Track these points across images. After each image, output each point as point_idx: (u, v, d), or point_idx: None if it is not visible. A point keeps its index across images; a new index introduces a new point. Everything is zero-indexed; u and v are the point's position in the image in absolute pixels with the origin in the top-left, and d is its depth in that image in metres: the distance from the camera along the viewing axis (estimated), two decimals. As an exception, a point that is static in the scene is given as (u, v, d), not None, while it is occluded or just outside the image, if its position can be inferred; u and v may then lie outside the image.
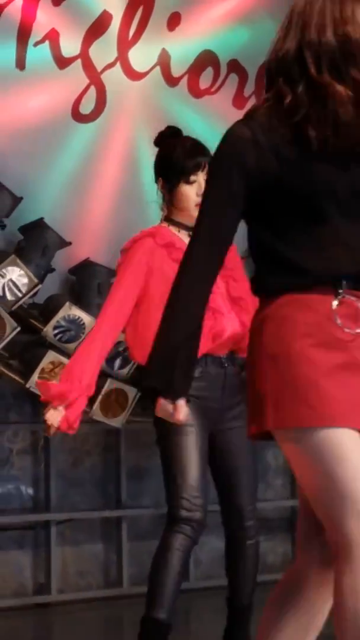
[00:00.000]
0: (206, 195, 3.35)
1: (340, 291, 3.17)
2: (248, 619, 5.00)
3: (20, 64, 7.16)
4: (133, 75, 7.57)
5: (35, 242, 6.97)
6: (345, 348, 3.15)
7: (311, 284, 3.17)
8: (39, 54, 7.21)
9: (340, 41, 3.13)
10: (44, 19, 7.22)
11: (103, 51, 7.45)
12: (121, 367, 7.05)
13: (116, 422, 7.10)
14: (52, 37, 7.25)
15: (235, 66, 7.94)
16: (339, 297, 3.17)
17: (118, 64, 7.51)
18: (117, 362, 7.05)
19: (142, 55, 7.61)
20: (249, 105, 7.78)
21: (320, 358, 3.13)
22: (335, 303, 3.16)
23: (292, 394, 3.12)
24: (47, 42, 7.24)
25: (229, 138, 3.31)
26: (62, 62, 7.32)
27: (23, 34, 7.15)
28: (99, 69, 7.43)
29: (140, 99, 7.58)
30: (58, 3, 7.26)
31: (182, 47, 7.72)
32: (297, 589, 3.26)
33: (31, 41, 7.17)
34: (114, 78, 7.47)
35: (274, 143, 3.16)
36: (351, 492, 3.06)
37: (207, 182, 3.40)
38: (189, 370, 3.33)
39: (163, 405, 3.27)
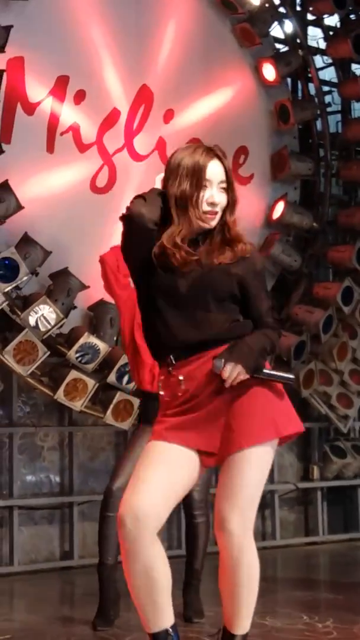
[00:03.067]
0: None
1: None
2: (199, 578, 5.25)
3: (50, 148, 7.18)
4: (137, 157, 7.61)
5: (61, 286, 7.02)
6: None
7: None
8: (64, 141, 7.23)
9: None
10: (68, 114, 7.25)
11: (113, 139, 7.48)
12: (128, 382, 7.07)
13: (124, 425, 7.13)
14: (74, 128, 7.28)
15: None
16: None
17: (125, 149, 7.54)
18: (125, 379, 7.09)
19: (143, 142, 7.63)
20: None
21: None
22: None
23: None
24: (70, 132, 7.26)
25: None
26: (82, 147, 7.34)
27: (52, 126, 7.17)
28: (111, 153, 7.47)
29: (142, 176, 7.57)
30: (79, 102, 7.30)
31: (175, 135, 7.68)
32: None
33: (58, 131, 7.20)
34: (122, 160, 7.51)
35: None
36: None
37: None
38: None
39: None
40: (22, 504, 7.13)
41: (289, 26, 8.80)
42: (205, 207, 3.39)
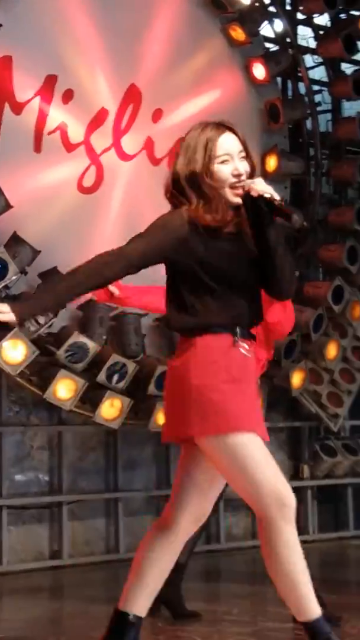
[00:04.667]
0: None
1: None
2: (183, 571, 5.18)
3: (37, 148, 7.16)
4: (125, 157, 7.59)
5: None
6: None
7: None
8: (52, 140, 7.21)
9: None
10: (56, 113, 7.22)
11: (101, 138, 7.46)
12: (118, 381, 7.09)
13: (114, 424, 7.13)
14: (62, 127, 7.26)
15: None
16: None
17: (113, 149, 7.51)
18: (115, 378, 7.09)
19: (132, 142, 7.61)
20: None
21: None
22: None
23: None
24: (58, 132, 7.24)
25: None
26: (70, 147, 7.32)
27: (39, 125, 7.14)
28: (98, 152, 7.44)
29: (130, 175, 7.58)
30: (67, 101, 7.27)
31: (164, 134, 7.67)
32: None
33: (45, 130, 7.18)
34: (110, 159, 7.49)
35: None
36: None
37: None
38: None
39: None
40: (10, 503, 7.12)
41: (279, 25, 8.81)
42: (231, 180, 3.39)
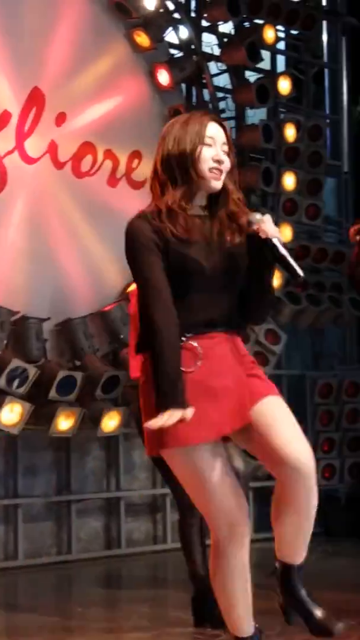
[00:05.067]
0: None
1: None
2: None
3: None
4: (28, 160, 7.51)
5: None
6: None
7: None
8: None
9: None
10: None
11: (4, 141, 7.37)
12: (18, 386, 7.01)
13: (14, 430, 7.03)
14: None
15: (109, 154, 8.00)
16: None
17: (16, 152, 7.43)
18: (16, 383, 7.01)
19: (35, 145, 7.53)
20: (120, 184, 8.00)
21: None
22: None
23: None
24: None
25: None
26: None
27: None
28: (1, 155, 7.35)
29: (33, 179, 7.52)
30: None
31: (68, 138, 7.68)
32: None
33: None
34: (13, 162, 7.41)
35: None
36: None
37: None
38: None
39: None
40: None
41: (184, 32, 8.85)
42: (211, 164, 3.33)
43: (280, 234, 3.37)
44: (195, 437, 3.24)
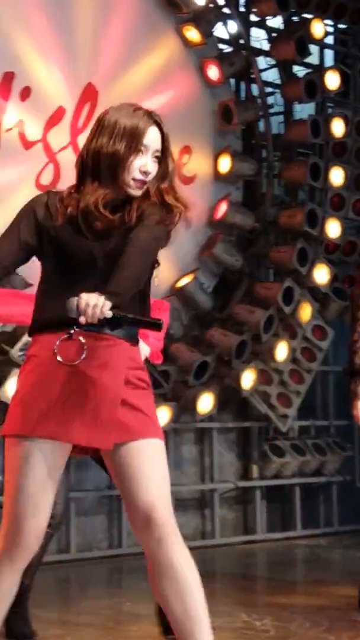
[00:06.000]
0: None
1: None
2: (27, 593, 4.76)
3: None
4: None
5: (5, 284, 6.87)
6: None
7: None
8: (9, 138, 7.17)
9: None
10: (14, 111, 7.19)
11: (58, 137, 7.43)
12: None
13: None
14: (20, 125, 7.22)
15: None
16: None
17: (70, 147, 7.47)
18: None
19: None
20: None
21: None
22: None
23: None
24: (15, 129, 7.21)
25: None
26: (27, 145, 7.29)
27: None
28: (55, 151, 7.42)
29: None
30: (24, 99, 7.24)
31: None
32: None
33: (3, 128, 7.13)
34: (67, 158, 7.41)
35: None
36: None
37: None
38: None
39: None
40: None
41: (233, 27, 8.86)
42: (137, 175, 3.27)
43: (103, 311, 3.08)
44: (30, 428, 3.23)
